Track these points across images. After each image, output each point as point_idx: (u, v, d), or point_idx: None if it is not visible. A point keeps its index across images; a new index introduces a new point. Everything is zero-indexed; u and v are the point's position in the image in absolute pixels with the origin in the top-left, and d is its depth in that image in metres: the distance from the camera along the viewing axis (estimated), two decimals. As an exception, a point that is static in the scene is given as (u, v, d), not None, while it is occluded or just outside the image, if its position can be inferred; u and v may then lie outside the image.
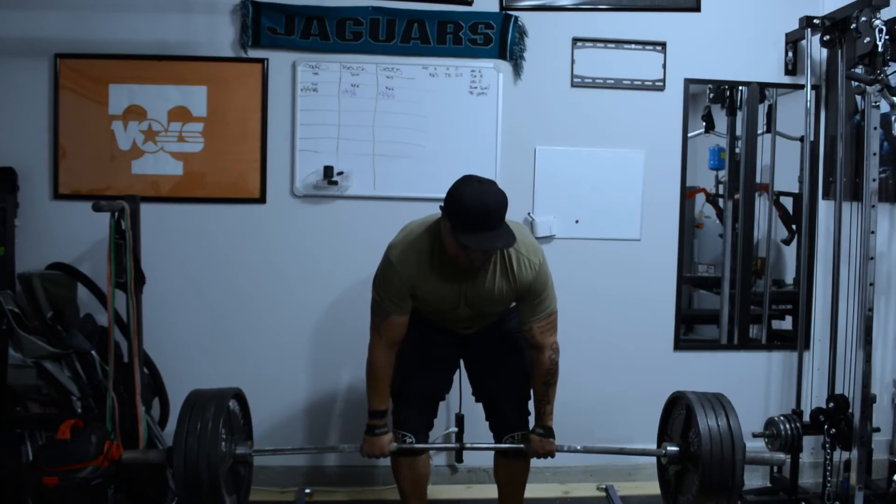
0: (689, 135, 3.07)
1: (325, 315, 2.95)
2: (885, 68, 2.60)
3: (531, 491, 2.51)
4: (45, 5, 2.78)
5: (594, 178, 3.00)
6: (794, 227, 3.32)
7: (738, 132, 3.25)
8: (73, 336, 2.53)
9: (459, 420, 2.65)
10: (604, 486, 2.99)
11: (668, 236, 3.06)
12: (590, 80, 2.98)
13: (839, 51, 2.85)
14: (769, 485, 2.99)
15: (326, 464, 3.00)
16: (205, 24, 2.84)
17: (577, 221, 3.01)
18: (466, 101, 2.92)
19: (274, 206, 2.90)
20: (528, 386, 2.34)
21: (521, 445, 2.29)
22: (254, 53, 2.85)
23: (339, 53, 2.87)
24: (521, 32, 2.92)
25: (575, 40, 2.96)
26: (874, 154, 2.63)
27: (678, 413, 2.37)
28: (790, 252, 3.39)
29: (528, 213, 2.97)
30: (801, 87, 2.98)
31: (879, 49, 2.56)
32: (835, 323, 2.93)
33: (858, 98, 2.88)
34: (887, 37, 2.57)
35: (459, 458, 2.80)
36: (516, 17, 2.91)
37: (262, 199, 2.89)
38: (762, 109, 3.21)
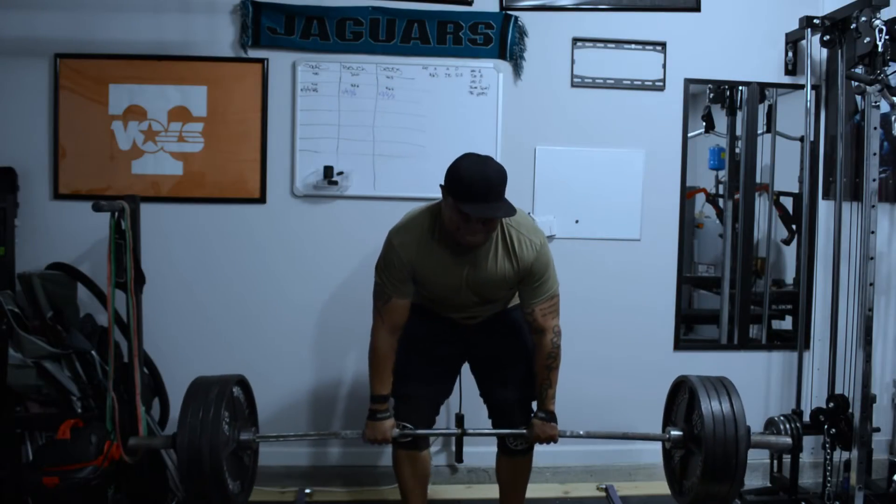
0: (689, 135, 3.08)
1: (326, 315, 2.95)
2: (885, 68, 2.61)
3: (531, 491, 2.51)
4: (45, 5, 2.78)
5: (594, 178, 3.00)
6: (794, 227, 3.32)
7: (738, 132, 3.25)
8: (73, 336, 2.53)
9: (460, 420, 2.65)
10: (604, 486, 2.99)
11: (668, 236, 3.06)
12: (590, 80, 2.98)
13: (839, 51, 2.85)
14: (769, 485, 2.99)
15: (327, 464, 3.00)
16: (205, 24, 2.84)
17: (577, 221, 3.01)
18: (466, 101, 2.92)
19: (274, 206, 2.90)
20: (533, 387, 2.33)
21: (524, 431, 2.28)
22: (254, 53, 2.85)
23: (339, 53, 2.87)
24: (521, 32, 2.92)
25: (575, 40, 2.96)
26: (874, 154, 2.63)
27: (682, 398, 2.37)
28: (790, 252, 3.39)
29: (528, 213, 2.97)
30: (801, 87, 2.98)
31: (879, 49, 2.56)
32: (835, 323, 2.93)
33: (858, 98, 2.88)
34: (887, 37, 2.57)
35: (459, 456, 2.80)
36: (516, 17, 2.91)
37: (262, 199, 2.89)
38: (762, 109, 3.21)
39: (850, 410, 2.71)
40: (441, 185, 2.06)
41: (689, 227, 3.30)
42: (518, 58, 2.93)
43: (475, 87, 2.93)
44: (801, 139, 3.02)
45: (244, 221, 2.90)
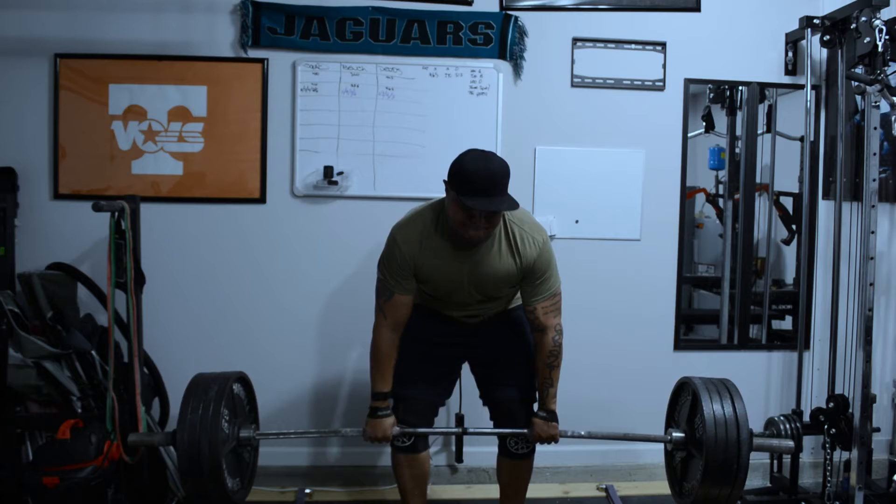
0: (689, 135, 3.08)
1: (326, 314, 2.95)
2: (885, 68, 2.60)
3: (531, 491, 2.50)
4: (45, 5, 2.78)
5: (594, 178, 3.00)
6: (794, 227, 3.32)
7: (738, 132, 3.25)
8: (73, 336, 2.53)
9: (459, 420, 2.65)
10: (604, 486, 2.99)
11: (668, 236, 3.06)
12: (590, 80, 2.98)
13: (839, 51, 2.85)
14: (769, 485, 2.99)
15: (327, 464, 3.00)
16: (204, 24, 2.84)
17: (577, 221, 3.01)
18: (466, 101, 2.92)
19: (274, 206, 2.90)
20: (534, 387, 2.33)
21: (525, 430, 2.28)
22: (254, 53, 2.85)
23: (339, 53, 2.87)
24: (521, 32, 2.93)
25: (575, 40, 2.96)
26: (874, 154, 2.63)
27: (685, 399, 2.36)
28: (790, 252, 3.39)
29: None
30: (801, 87, 2.98)
31: (879, 49, 2.56)
32: (835, 323, 2.93)
33: (858, 98, 2.88)
34: (887, 37, 2.57)
35: (459, 456, 2.80)
36: (516, 17, 2.91)
37: (262, 199, 2.89)
38: (762, 109, 3.21)
39: (850, 410, 2.71)
40: (444, 181, 2.07)
41: (689, 227, 3.30)
42: (518, 58, 2.93)
43: (475, 87, 2.93)
44: (801, 139, 3.02)
45: (244, 221, 2.90)
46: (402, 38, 2.89)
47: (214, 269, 2.91)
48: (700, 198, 3.69)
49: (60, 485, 2.24)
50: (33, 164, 2.80)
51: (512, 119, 2.95)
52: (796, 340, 3.04)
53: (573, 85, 2.98)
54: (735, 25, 3.02)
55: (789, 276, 3.45)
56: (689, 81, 3.02)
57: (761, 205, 3.30)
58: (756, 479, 3.08)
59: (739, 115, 3.22)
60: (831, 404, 2.77)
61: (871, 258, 2.65)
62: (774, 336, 3.32)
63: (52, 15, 2.78)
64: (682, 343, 3.12)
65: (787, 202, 3.35)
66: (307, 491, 2.89)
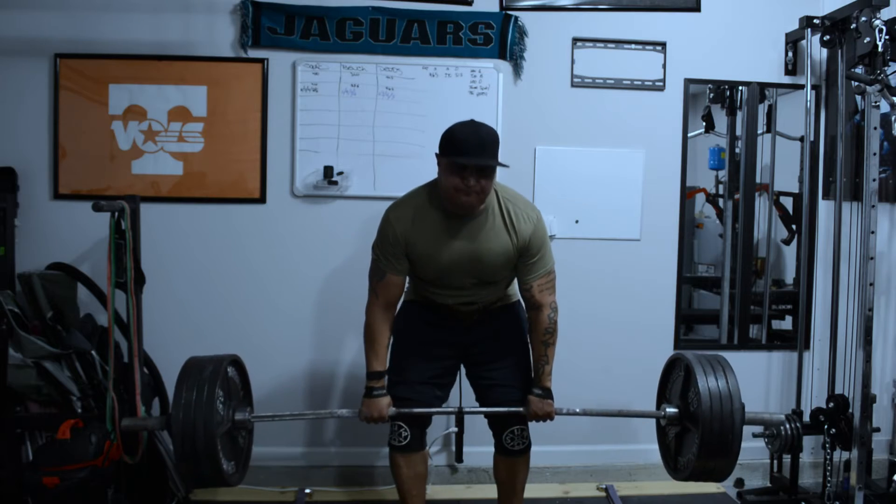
0: (689, 135, 3.08)
1: (326, 314, 2.95)
2: (885, 68, 2.61)
3: (531, 491, 2.50)
4: (45, 5, 2.78)
5: (594, 178, 3.00)
6: (794, 227, 3.32)
7: (738, 132, 3.25)
8: (73, 336, 2.53)
9: (459, 419, 2.64)
10: (604, 486, 2.98)
11: (668, 236, 3.06)
12: (590, 80, 2.98)
13: (839, 51, 2.85)
14: (769, 485, 2.99)
15: (326, 464, 3.00)
16: (204, 24, 2.84)
17: (577, 221, 3.01)
18: (466, 101, 2.92)
19: (274, 206, 2.90)
20: (529, 383, 2.32)
21: (521, 409, 2.27)
22: (254, 53, 2.85)
23: (339, 53, 2.87)
24: (521, 32, 2.93)
25: (575, 40, 2.96)
26: (874, 154, 2.63)
27: (677, 375, 2.36)
28: (790, 252, 3.39)
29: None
30: (801, 87, 2.98)
31: (879, 49, 2.57)
32: (835, 323, 2.93)
33: (858, 98, 2.88)
34: (887, 37, 2.57)
35: (459, 456, 2.80)
36: (516, 17, 2.91)
37: (262, 199, 2.89)
38: (762, 109, 3.21)
39: (850, 410, 2.71)
40: (436, 154, 2.11)
41: (689, 227, 3.30)
42: (518, 58, 2.93)
43: (475, 87, 2.93)
44: (801, 139, 3.02)
45: (244, 221, 2.90)
46: (402, 38, 2.89)
47: (215, 269, 2.91)
48: (700, 198, 3.69)
49: (60, 485, 2.24)
50: (33, 164, 2.80)
51: (512, 119, 2.95)
52: (796, 340, 3.04)
53: (573, 85, 2.98)
54: (735, 25, 3.02)
55: (789, 276, 3.45)
56: (689, 81, 3.02)
57: (761, 205, 3.31)
58: (756, 479, 3.09)
59: (739, 115, 3.22)
60: (831, 404, 2.78)
61: (871, 258, 2.66)
62: (774, 336, 3.32)
63: (52, 15, 2.78)
64: (682, 343, 3.11)
65: (787, 202, 3.35)
66: (307, 491, 2.89)
